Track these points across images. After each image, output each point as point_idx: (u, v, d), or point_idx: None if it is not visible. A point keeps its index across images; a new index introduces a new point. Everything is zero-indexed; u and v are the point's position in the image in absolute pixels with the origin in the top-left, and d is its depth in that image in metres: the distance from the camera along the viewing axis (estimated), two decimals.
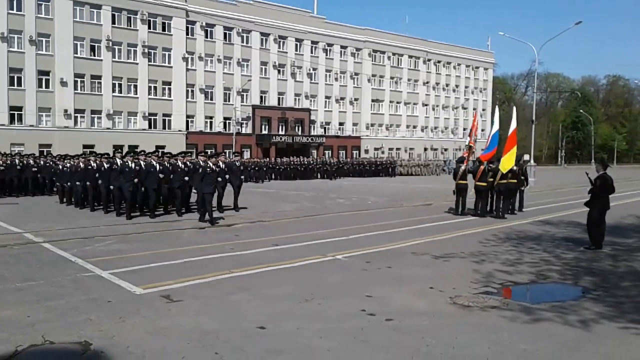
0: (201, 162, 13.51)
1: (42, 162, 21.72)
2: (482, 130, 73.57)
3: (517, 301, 6.53)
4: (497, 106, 17.25)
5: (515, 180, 15.42)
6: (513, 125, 16.23)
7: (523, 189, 16.71)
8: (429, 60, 66.06)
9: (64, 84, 41.00)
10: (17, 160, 20.90)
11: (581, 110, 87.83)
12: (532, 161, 25.98)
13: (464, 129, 71.03)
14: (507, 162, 14.98)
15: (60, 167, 18.67)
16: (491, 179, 14.97)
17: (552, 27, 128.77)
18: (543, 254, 9.60)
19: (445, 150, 67.45)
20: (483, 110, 73.33)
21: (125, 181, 13.98)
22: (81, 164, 16.48)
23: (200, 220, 13.35)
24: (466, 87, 71.03)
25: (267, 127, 52.61)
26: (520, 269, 8.28)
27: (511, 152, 15.17)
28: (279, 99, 53.48)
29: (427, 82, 66.00)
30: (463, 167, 15.31)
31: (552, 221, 14.36)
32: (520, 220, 14.55)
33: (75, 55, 41.64)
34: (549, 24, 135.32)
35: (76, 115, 41.98)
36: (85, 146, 37.65)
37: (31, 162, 21.42)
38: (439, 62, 67.34)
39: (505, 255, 9.35)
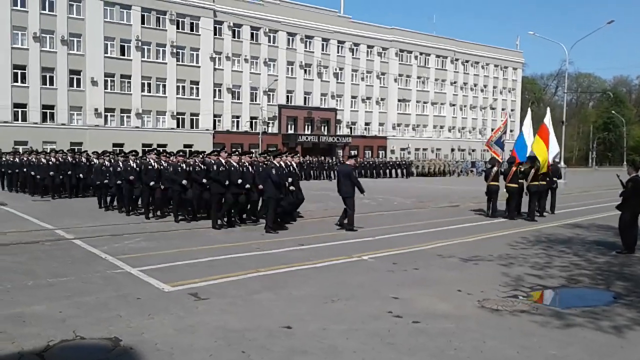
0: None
1: (85, 160, 19.84)
2: (512, 131, 72.67)
3: (547, 305, 6.43)
4: (528, 108, 17.02)
5: (545, 182, 15.19)
6: (546, 122, 15.90)
7: (555, 186, 16.45)
8: (457, 59, 65.42)
9: (94, 83, 41.78)
10: (69, 157, 19.55)
11: (613, 111, 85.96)
12: (562, 163, 25.54)
13: (492, 130, 70.20)
14: (541, 154, 14.86)
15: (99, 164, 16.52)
16: (522, 181, 14.78)
17: (583, 26, 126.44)
18: (574, 257, 9.41)
19: (473, 151, 66.70)
20: (512, 110, 72.33)
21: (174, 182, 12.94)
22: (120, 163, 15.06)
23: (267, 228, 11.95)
24: (494, 87, 70.15)
25: (293, 126, 52.77)
26: (550, 272, 8.13)
27: (541, 146, 14.99)
28: (305, 98, 53.59)
29: (455, 82, 65.39)
30: (495, 169, 15.16)
31: (582, 224, 14.08)
32: (550, 223, 14.31)
33: (106, 55, 42.39)
34: (580, 23, 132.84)
35: (106, 114, 42.75)
36: (114, 144, 38.29)
37: (83, 159, 19.87)
38: (466, 61, 66.64)
39: (535, 259, 9.20)
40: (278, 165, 12.24)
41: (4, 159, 23.69)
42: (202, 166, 12.93)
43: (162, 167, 13.63)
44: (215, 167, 12.21)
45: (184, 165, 13.16)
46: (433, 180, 39.20)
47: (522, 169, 14.91)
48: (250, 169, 12.76)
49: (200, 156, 14.07)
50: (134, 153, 15.44)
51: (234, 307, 6.12)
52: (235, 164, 12.42)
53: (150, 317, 5.67)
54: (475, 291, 6.88)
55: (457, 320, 5.70)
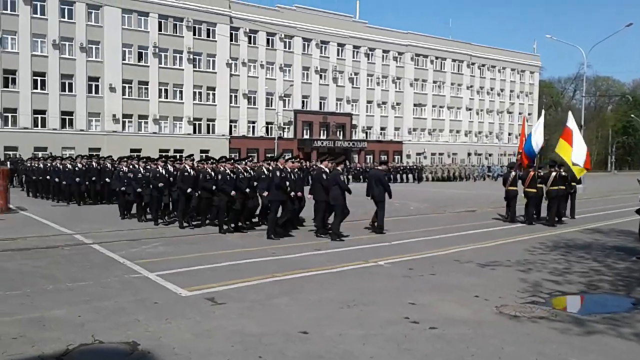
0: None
1: (109, 166, 19.10)
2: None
3: (566, 312, 6.35)
4: (543, 110, 16.89)
5: (564, 187, 15.05)
6: (570, 125, 15.69)
7: (573, 192, 16.34)
8: (473, 63, 65.10)
9: (112, 89, 42.28)
10: (94, 163, 19.21)
11: (632, 115, 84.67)
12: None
13: (509, 134, 69.73)
14: (566, 157, 14.88)
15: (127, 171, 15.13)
16: (540, 185, 14.68)
17: (602, 29, 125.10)
18: (593, 263, 9.29)
19: (490, 155, 66.22)
20: (529, 114, 71.64)
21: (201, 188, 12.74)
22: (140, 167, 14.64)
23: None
24: (511, 91, 69.64)
25: (308, 131, 52.85)
26: (569, 278, 8.03)
27: (566, 149, 14.97)
28: (320, 103, 53.67)
29: (471, 86, 65.02)
30: (513, 174, 15.08)
31: (602, 229, 13.90)
32: (569, 228, 14.15)
33: (124, 61, 42.87)
34: (598, 26, 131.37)
35: (124, 120, 43.20)
36: (132, 150, 38.62)
37: (108, 165, 19.26)
38: (483, 65, 66.28)
39: (554, 264, 9.09)
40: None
41: (28, 164, 23.46)
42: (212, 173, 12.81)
43: (202, 174, 13.02)
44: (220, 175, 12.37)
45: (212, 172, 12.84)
46: (449, 185, 38.98)
47: (542, 174, 14.80)
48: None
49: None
50: (163, 159, 14.59)
51: (251, 311, 6.13)
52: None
53: (168, 321, 5.70)
54: (493, 297, 6.82)
55: (475, 326, 5.65)
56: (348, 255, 9.72)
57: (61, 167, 19.29)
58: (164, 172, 13.60)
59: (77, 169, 18.69)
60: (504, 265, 9.01)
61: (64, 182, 18.88)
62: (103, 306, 6.25)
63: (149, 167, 14.29)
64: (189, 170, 13.36)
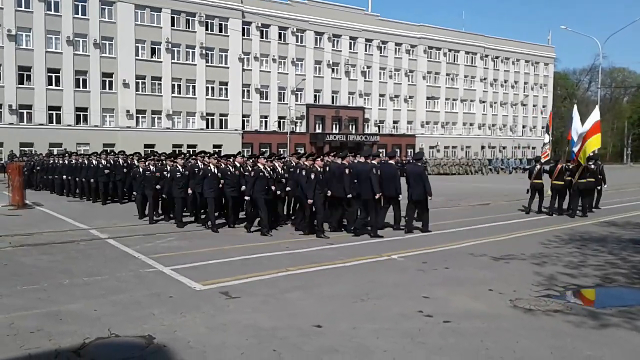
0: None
1: (137, 162, 17.29)
2: (543, 127, 71.28)
3: (581, 305, 6.30)
4: (574, 106, 16.88)
5: (594, 179, 15.28)
6: (595, 118, 15.55)
7: (600, 188, 16.52)
8: (487, 56, 64.53)
9: (126, 85, 42.55)
10: (120, 160, 18.24)
11: None
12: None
13: (523, 126, 69.14)
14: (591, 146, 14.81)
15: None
16: (569, 178, 14.85)
17: (618, 19, 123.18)
18: (608, 256, 9.21)
19: (504, 148, 65.72)
20: (544, 106, 71.05)
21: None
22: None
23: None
24: (525, 83, 68.95)
25: (321, 125, 52.81)
26: (584, 271, 7.97)
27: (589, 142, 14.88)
28: (332, 97, 53.58)
29: (485, 79, 64.49)
30: (538, 167, 15.30)
31: (617, 222, 13.76)
32: (585, 221, 14.02)
33: (137, 57, 43.11)
34: (613, 17, 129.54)
35: (138, 115, 43.49)
36: (146, 145, 38.99)
37: (135, 162, 17.24)
38: (496, 57, 65.67)
39: (569, 258, 9.03)
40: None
41: (51, 161, 22.43)
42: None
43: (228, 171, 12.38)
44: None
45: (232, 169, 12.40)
46: (462, 179, 38.71)
47: (570, 167, 15.03)
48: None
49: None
50: (202, 154, 13.77)
51: (265, 305, 6.16)
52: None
53: (183, 315, 5.75)
54: (507, 290, 6.78)
55: (489, 320, 5.63)
56: (361, 249, 9.72)
57: (87, 163, 18.45)
58: (215, 171, 12.29)
59: (100, 165, 17.70)
60: (519, 258, 8.96)
61: (91, 180, 18.01)
62: (119, 300, 6.32)
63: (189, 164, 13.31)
64: (213, 169, 12.33)
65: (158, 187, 13.34)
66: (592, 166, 15.11)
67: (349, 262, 8.61)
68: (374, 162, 11.30)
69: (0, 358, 4.59)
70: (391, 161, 12.18)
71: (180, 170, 12.87)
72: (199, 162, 13.15)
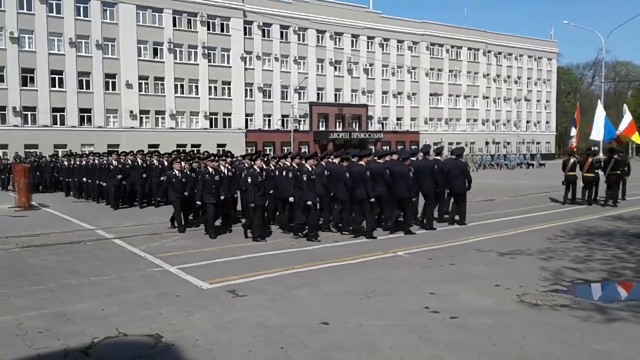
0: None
1: (156, 162, 17.14)
2: (547, 122, 71.25)
3: (589, 300, 6.28)
4: (598, 101, 18.01)
5: (620, 171, 16.34)
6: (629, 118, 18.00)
7: (626, 178, 17.41)
8: (489, 51, 64.41)
9: (129, 86, 42.63)
10: (139, 160, 17.01)
11: None
12: (601, 154, 24.94)
13: (527, 122, 68.97)
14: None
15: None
16: (597, 170, 16.09)
17: (621, 13, 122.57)
18: (615, 250, 9.17)
19: (508, 143, 65.59)
20: (547, 101, 70.90)
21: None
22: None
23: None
24: (529, 78, 68.80)
25: (324, 123, 52.81)
26: (591, 266, 7.95)
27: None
28: (335, 95, 53.56)
29: (488, 74, 64.39)
30: (572, 160, 16.29)
31: (624, 216, 13.71)
32: (591, 215, 13.98)
33: (139, 58, 43.20)
34: (616, 11, 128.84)
35: (141, 116, 43.57)
36: (150, 145, 38.96)
37: (155, 162, 17.11)
38: (499, 53, 65.54)
39: (575, 252, 9.00)
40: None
41: (65, 163, 21.81)
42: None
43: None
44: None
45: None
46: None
47: (601, 160, 16.39)
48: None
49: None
50: (228, 154, 13.21)
51: (272, 303, 6.17)
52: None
53: (190, 314, 5.76)
54: (514, 286, 6.77)
55: (496, 315, 5.62)
56: (367, 247, 9.72)
57: (99, 164, 17.71)
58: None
59: (112, 166, 16.60)
60: (525, 253, 8.94)
61: (103, 183, 17.14)
62: (126, 299, 6.34)
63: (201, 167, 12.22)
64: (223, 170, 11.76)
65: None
66: (620, 158, 16.23)
67: (355, 259, 8.61)
68: (405, 162, 11.16)
69: (10, 358, 4.62)
70: (395, 157, 11.74)
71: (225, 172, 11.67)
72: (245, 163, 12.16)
